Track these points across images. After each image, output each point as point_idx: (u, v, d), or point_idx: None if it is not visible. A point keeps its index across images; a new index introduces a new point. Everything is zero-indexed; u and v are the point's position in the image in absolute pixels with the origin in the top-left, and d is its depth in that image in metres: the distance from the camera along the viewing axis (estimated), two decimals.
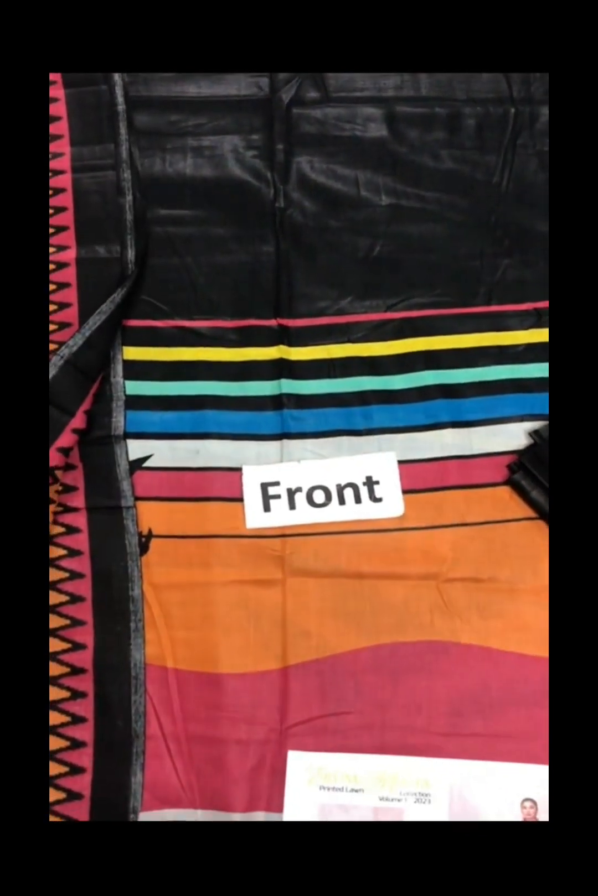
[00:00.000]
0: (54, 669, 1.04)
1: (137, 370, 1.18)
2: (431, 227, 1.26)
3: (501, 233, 1.25)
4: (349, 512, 1.12)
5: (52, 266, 1.22)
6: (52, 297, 1.20)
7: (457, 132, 1.30)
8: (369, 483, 1.13)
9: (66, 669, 1.05)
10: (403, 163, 1.29)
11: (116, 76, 1.29)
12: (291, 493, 1.12)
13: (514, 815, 1.00)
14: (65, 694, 1.04)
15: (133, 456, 1.14)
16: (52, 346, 1.14)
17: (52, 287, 1.21)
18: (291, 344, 1.20)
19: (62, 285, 1.21)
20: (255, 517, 1.11)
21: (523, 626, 1.07)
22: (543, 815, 1.00)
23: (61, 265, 1.22)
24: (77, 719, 1.03)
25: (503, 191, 1.27)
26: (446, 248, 1.25)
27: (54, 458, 1.06)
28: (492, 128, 1.30)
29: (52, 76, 1.29)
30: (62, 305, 1.19)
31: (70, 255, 1.23)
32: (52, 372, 1.10)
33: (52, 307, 1.19)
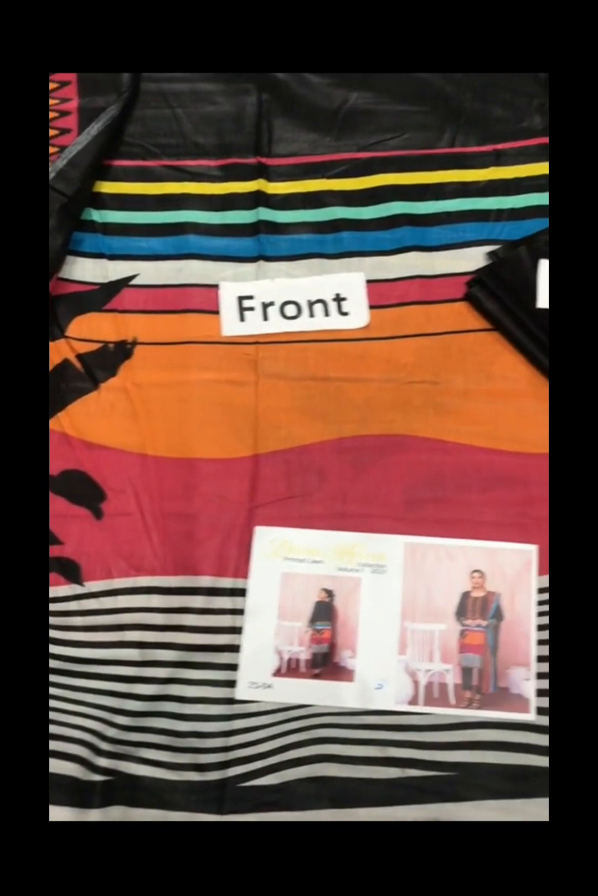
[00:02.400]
0: None
1: (128, 202, 1.18)
2: (401, 83, 1.24)
3: (464, 86, 1.23)
4: (318, 323, 1.11)
5: (54, 114, 1.22)
6: (55, 141, 1.20)
7: None
8: (338, 299, 1.12)
9: None
10: None
11: None
12: (264, 307, 1.11)
13: (463, 584, 0.98)
14: None
15: (121, 275, 1.13)
16: None
17: (54, 132, 1.21)
18: (269, 179, 1.19)
19: (64, 131, 1.21)
20: (230, 326, 1.11)
21: (475, 421, 1.05)
22: (490, 586, 0.98)
23: (64, 113, 1.22)
24: None
25: None
26: (414, 99, 1.23)
27: None
28: None
29: None
30: (63, 148, 1.19)
31: (72, 105, 1.23)
32: None
33: (53, 149, 1.19)
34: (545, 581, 0.97)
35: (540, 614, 0.96)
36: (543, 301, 1.07)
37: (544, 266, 1.09)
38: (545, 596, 0.97)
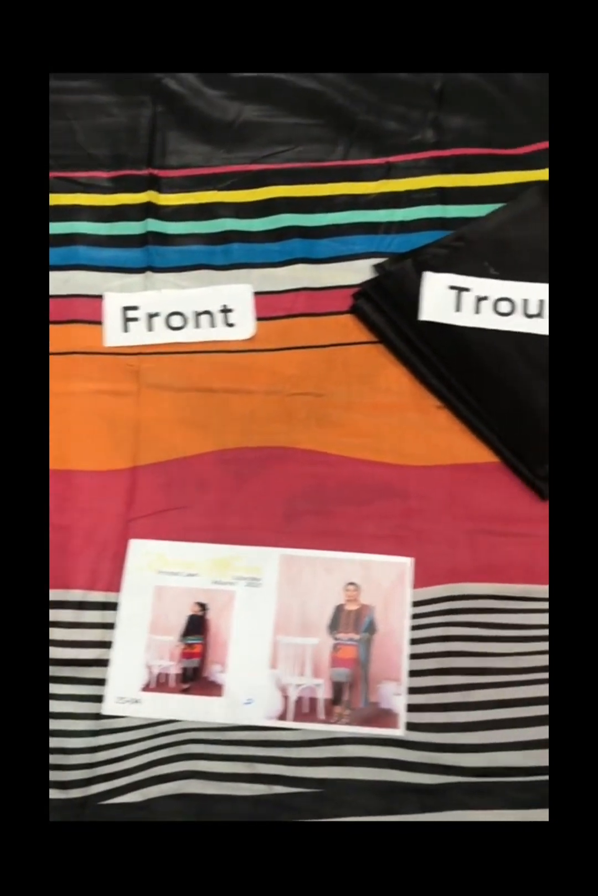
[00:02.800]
0: None
1: None
2: (295, 96, 1.23)
3: (359, 99, 1.22)
4: (203, 334, 1.09)
5: None
6: None
7: None
8: (225, 310, 1.10)
9: None
10: None
11: None
12: (149, 317, 1.09)
13: (338, 597, 0.96)
14: None
15: None
16: None
17: None
18: (160, 191, 1.17)
19: None
20: (113, 336, 1.09)
21: (357, 433, 1.03)
22: (364, 599, 0.95)
23: None
24: None
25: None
26: (308, 112, 1.22)
27: None
28: None
29: None
30: None
31: None
32: None
33: None
34: (419, 594, 0.95)
35: (413, 628, 0.94)
36: (426, 313, 1.06)
37: (428, 279, 1.07)
38: (419, 609, 0.95)
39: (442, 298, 1.07)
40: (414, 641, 0.93)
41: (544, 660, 0.91)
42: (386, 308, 1.07)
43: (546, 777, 0.86)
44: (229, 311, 1.10)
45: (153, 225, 1.14)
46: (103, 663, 0.94)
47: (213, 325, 1.09)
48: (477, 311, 1.06)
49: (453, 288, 1.07)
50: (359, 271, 1.11)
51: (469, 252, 1.09)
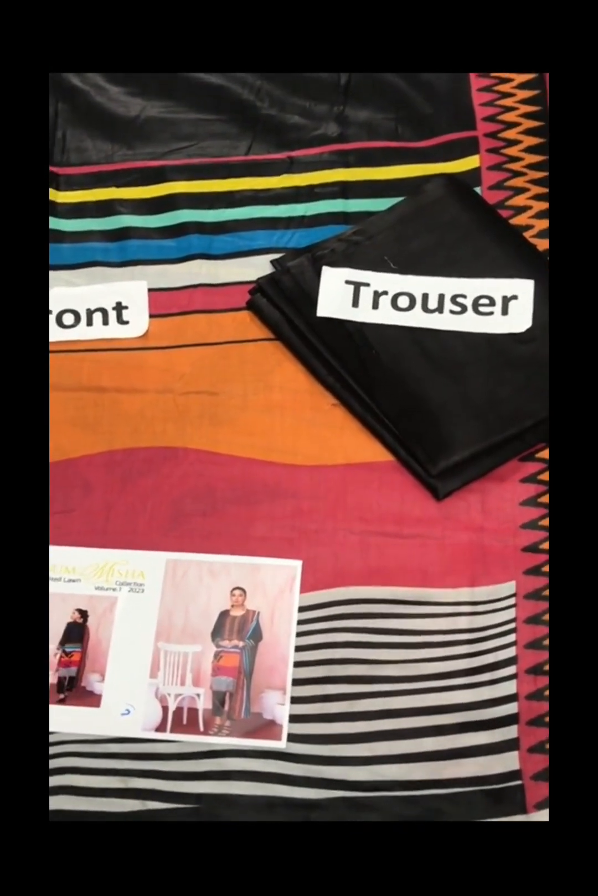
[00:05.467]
0: None
1: None
2: (199, 91, 1.16)
3: (263, 94, 1.15)
4: (96, 332, 1.01)
5: None
6: None
7: None
8: (118, 308, 1.02)
9: None
10: None
11: None
12: None
13: (223, 602, 0.88)
14: None
15: None
16: None
17: None
18: (59, 189, 1.09)
19: None
20: None
21: (250, 432, 0.95)
22: (250, 605, 0.87)
23: None
24: None
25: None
26: (212, 108, 1.14)
27: None
28: None
29: None
30: None
31: None
32: None
33: None
34: (307, 599, 0.87)
35: (299, 634, 0.86)
36: (323, 309, 0.98)
37: (326, 274, 1.00)
38: (306, 614, 0.86)
39: (340, 294, 0.99)
40: (299, 648, 0.85)
41: (433, 667, 0.83)
42: (282, 304, 0.99)
43: (431, 791, 0.78)
44: (124, 308, 1.02)
45: (50, 222, 1.06)
46: None
47: (106, 322, 1.01)
48: (376, 306, 0.99)
49: (350, 283, 0.99)
50: (258, 267, 1.03)
51: (369, 246, 1.02)
